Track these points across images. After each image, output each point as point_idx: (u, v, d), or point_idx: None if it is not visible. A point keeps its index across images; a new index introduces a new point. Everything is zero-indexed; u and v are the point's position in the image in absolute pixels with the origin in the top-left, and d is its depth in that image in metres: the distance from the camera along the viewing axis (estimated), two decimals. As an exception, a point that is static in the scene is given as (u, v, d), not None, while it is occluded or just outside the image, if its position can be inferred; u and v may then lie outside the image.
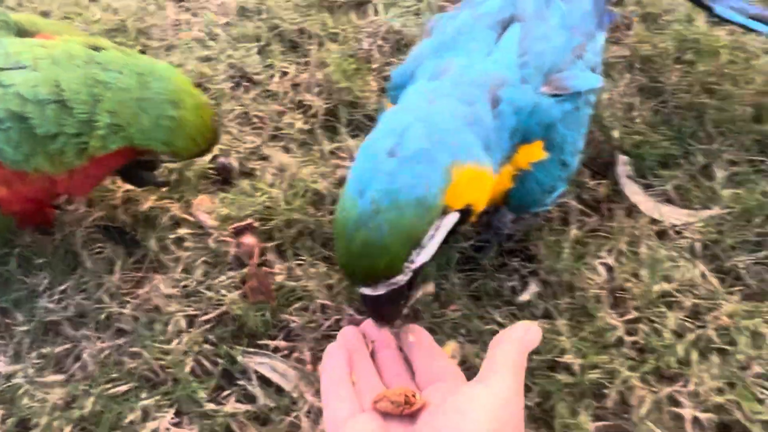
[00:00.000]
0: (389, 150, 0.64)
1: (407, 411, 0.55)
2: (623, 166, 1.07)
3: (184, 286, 0.97)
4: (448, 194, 0.65)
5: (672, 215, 1.02)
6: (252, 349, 0.91)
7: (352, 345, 0.65)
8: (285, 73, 1.27)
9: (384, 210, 0.61)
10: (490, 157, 0.73)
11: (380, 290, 0.64)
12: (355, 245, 0.62)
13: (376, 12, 1.38)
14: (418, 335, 0.66)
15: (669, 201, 1.06)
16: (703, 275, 0.95)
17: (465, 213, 0.70)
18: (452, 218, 0.68)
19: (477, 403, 0.51)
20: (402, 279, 0.65)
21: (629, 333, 0.90)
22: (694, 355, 0.86)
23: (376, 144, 0.66)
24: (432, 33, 0.88)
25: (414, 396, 0.56)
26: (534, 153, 0.81)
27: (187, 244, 1.01)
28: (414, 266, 0.65)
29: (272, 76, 1.26)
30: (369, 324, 0.68)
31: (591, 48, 0.90)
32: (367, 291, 0.65)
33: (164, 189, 1.08)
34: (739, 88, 1.19)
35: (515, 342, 0.57)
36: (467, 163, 0.67)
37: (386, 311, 0.68)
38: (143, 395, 0.87)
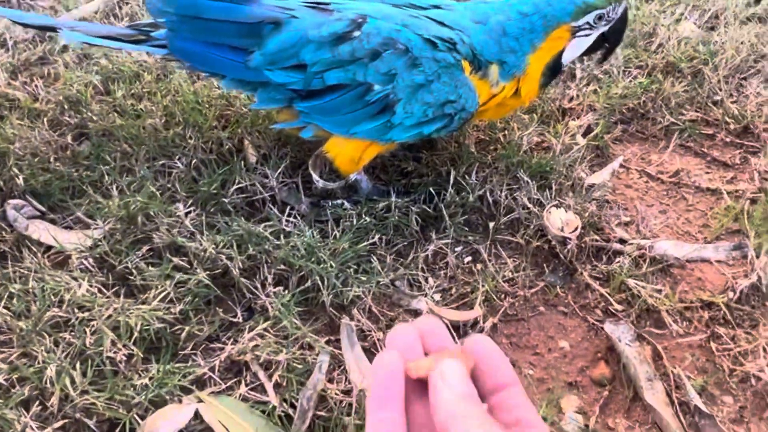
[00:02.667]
0: None
1: None
2: (13, 210, 1.08)
3: None
4: None
5: (69, 240, 1.05)
6: None
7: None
8: None
9: None
10: None
11: None
12: None
13: None
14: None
15: (84, 225, 1.09)
16: (88, 289, 0.98)
17: None
18: None
19: None
20: None
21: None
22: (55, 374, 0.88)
23: None
24: None
25: None
26: None
27: None
28: None
29: None
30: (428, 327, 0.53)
31: None
32: None
33: None
34: (153, 104, 1.28)
35: None
36: None
37: None
38: None
